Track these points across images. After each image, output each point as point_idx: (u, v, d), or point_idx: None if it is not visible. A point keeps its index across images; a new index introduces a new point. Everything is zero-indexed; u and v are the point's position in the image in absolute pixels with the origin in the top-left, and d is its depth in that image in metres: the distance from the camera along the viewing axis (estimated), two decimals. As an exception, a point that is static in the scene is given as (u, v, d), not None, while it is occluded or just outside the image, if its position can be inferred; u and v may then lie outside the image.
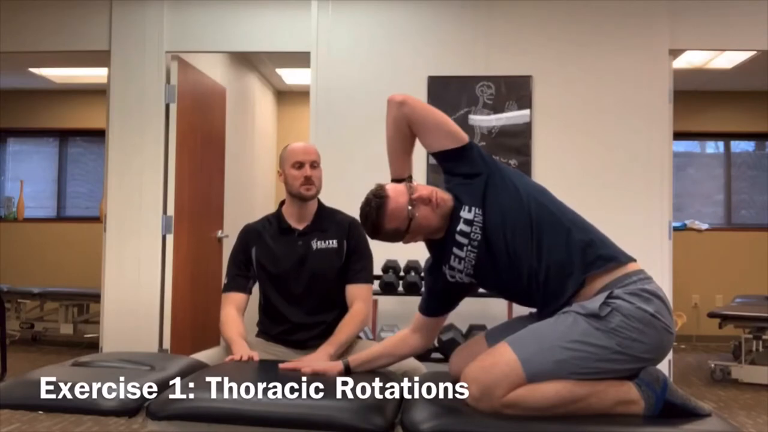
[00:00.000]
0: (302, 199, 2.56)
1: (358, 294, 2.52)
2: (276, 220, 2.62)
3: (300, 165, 2.54)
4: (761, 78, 6.13)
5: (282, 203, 2.66)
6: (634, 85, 4.08)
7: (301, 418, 1.71)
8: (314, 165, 2.56)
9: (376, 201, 1.88)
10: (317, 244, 2.54)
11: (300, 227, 2.58)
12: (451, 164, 1.95)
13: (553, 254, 1.84)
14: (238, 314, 2.52)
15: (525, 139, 4.07)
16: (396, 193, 1.88)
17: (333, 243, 2.55)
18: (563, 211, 1.92)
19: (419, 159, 4.15)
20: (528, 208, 1.87)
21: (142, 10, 4.25)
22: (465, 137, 1.94)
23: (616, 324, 1.74)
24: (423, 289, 2.13)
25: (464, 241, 1.90)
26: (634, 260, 1.89)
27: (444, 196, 1.90)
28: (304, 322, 2.51)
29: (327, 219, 2.61)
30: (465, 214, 1.89)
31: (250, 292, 2.61)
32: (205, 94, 4.68)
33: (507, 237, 1.87)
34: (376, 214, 1.88)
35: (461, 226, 1.89)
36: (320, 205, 2.64)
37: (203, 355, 2.44)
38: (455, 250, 1.91)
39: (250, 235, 2.62)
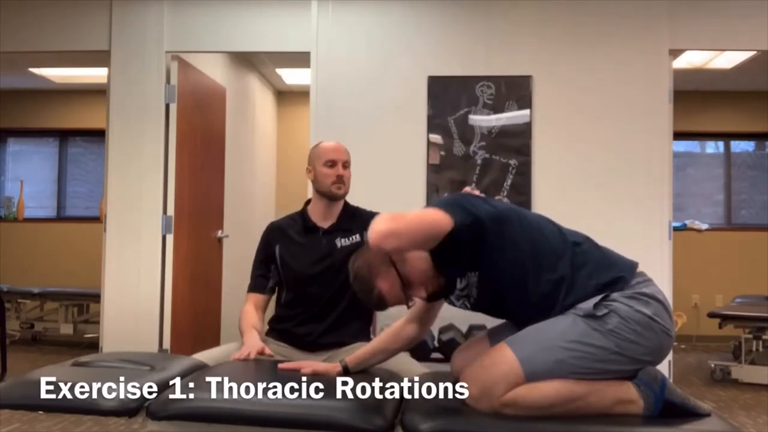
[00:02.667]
0: (331, 198, 2.57)
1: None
2: (301, 218, 2.63)
3: (332, 164, 2.56)
4: (761, 78, 6.13)
5: (308, 202, 2.67)
6: (634, 85, 4.07)
7: (301, 418, 1.72)
8: (346, 165, 2.59)
9: (376, 302, 1.92)
10: (341, 242, 2.55)
11: (325, 226, 2.59)
12: (442, 253, 1.89)
13: (558, 305, 1.82)
14: (256, 311, 2.54)
15: (525, 139, 4.07)
16: (393, 296, 1.90)
17: (356, 238, 2.55)
18: (561, 253, 1.85)
19: (419, 161, 4.17)
20: (524, 261, 1.84)
21: (142, 10, 4.24)
22: (448, 224, 1.78)
23: (614, 326, 1.74)
24: None
25: (461, 300, 1.96)
26: (636, 265, 1.88)
27: (438, 283, 1.92)
28: (319, 316, 2.51)
29: (351, 217, 2.62)
30: (460, 284, 1.92)
31: (271, 292, 2.62)
32: (205, 94, 4.68)
33: (504, 293, 1.89)
34: (378, 308, 2.00)
35: (458, 292, 1.94)
36: (346, 204, 2.65)
37: (217, 352, 2.44)
38: (453, 299, 1.98)
39: (274, 232, 2.63)
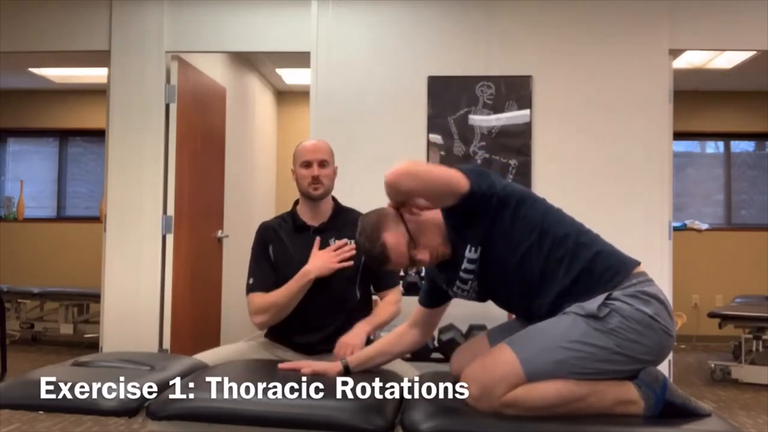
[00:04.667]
0: (311, 199, 2.54)
1: (391, 296, 2.58)
2: (291, 218, 2.60)
3: (308, 164, 2.53)
4: (761, 78, 6.13)
5: (296, 202, 2.64)
6: (634, 85, 4.07)
7: (301, 418, 1.71)
8: (323, 164, 2.53)
9: (377, 254, 1.86)
10: (334, 242, 2.50)
11: (315, 224, 2.56)
12: (454, 215, 1.88)
13: (558, 283, 1.82)
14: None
15: (525, 139, 4.07)
16: (397, 253, 1.86)
17: (350, 243, 2.49)
18: (568, 232, 1.87)
19: (419, 155, 4.17)
20: (533, 237, 1.84)
21: (142, 10, 4.24)
22: (465, 185, 1.78)
23: (615, 325, 1.74)
24: (422, 282, 2.14)
25: (469, 277, 1.91)
26: (638, 263, 1.88)
27: (445, 251, 1.89)
28: (314, 321, 2.46)
29: (343, 217, 2.58)
30: (470, 254, 1.87)
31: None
32: (205, 94, 4.68)
33: (511, 269, 1.86)
34: (378, 263, 1.90)
35: (466, 265, 1.88)
36: (336, 203, 2.62)
37: (217, 352, 2.43)
38: (459, 283, 1.93)
39: (266, 233, 2.59)
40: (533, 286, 1.84)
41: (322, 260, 2.43)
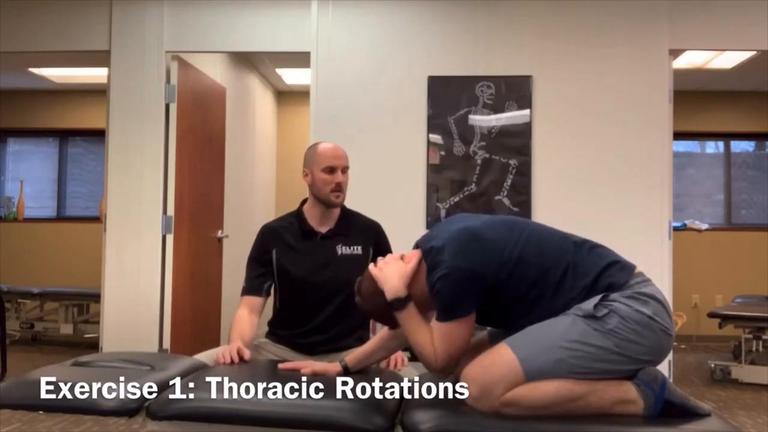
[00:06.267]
0: (329, 205, 2.51)
1: None
2: (297, 220, 2.55)
3: (332, 170, 2.48)
4: (761, 78, 6.13)
5: (303, 202, 2.60)
6: (634, 85, 4.08)
7: (301, 418, 1.72)
8: (345, 170, 2.51)
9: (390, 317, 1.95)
10: (342, 250, 2.49)
11: (323, 230, 2.53)
12: None
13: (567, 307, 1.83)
14: (250, 315, 2.44)
15: (525, 139, 4.08)
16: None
17: (357, 249, 2.51)
18: (562, 275, 1.83)
19: (419, 161, 4.17)
20: (533, 294, 1.84)
21: (142, 10, 4.25)
22: (472, 320, 1.86)
23: (614, 326, 1.74)
24: None
25: None
26: (634, 267, 1.88)
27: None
28: (319, 327, 2.46)
29: (350, 222, 2.56)
30: None
31: (267, 295, 2.55)
32: (205, 94, 4.68)
33: (515, 323, 1.88)
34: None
35: None
36: (343, 207, 2.59)
37: (217, 352, 2.43)
38: None
39: (269, 235, 2.54)
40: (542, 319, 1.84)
41: (224, 350, 2.29)
